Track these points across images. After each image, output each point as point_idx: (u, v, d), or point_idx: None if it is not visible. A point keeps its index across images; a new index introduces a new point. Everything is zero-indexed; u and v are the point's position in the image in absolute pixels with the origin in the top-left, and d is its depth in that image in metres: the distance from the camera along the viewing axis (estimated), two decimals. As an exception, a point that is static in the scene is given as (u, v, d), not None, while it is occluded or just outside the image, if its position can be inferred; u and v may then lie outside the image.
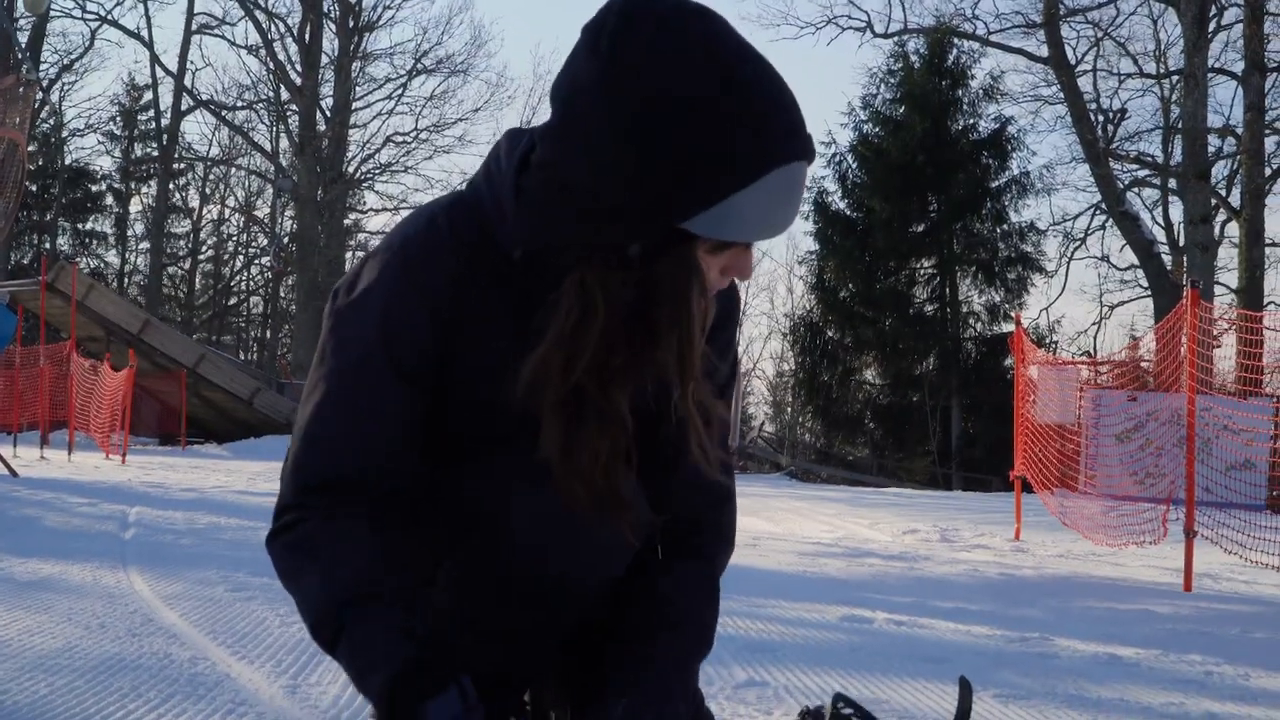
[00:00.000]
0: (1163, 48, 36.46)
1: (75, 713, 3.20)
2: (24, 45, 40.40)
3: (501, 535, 2.23)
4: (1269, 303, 33.48)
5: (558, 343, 2.03)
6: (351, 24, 43.53)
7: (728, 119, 1.90)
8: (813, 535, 11.13)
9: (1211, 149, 35.04)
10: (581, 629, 2.34)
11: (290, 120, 44.07)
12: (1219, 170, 35.10)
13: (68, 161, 46.47)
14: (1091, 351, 34.66)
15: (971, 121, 36.59)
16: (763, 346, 41.71)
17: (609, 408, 2.08)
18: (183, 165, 47.03)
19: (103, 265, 46.49)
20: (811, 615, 5.70)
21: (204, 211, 48.30)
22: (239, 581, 5.71)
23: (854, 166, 36.93)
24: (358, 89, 43.91)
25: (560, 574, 2.26)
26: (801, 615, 5.70)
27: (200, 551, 7.39)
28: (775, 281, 51.87)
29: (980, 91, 36.80)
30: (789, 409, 40.37)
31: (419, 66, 44.18)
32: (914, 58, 37.04)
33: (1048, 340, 35.37)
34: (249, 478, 16.16)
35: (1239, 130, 34.88)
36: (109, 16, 46.13)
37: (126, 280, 46.14)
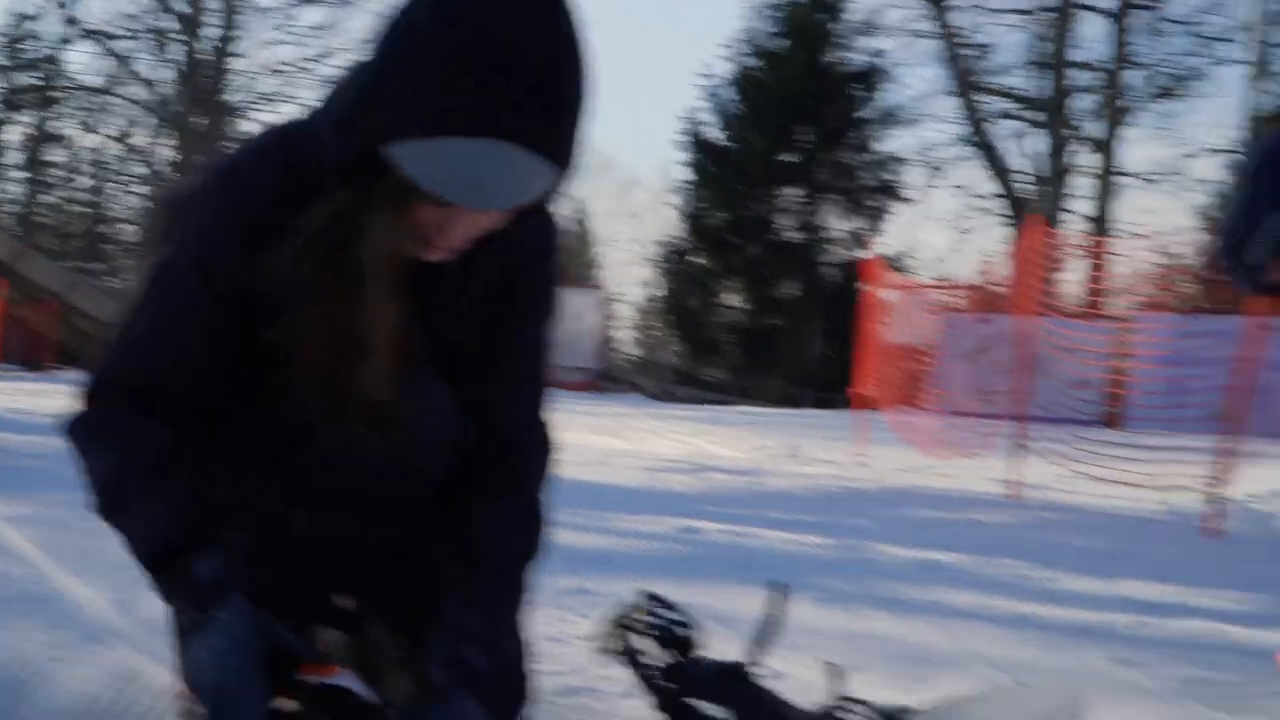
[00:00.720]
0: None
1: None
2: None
3: (309, 447, 2.22)
4: (1116, 229, 33.92)
5: (302, 242, 2.06)
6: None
7: (467, 65, 1.86)
8: (663, 452, 11.17)
9: (1074, 83, 35.35)
10: (398, 546, 2.35)
11: (173, 49, 43.20)
12: (1079, 104, 35.33)
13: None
14: (948, 277, 34.90)
15: (842, 56, 36.55)
16: (632, 271, 41.47)
17: (329, 307, 2.09)
18: (63, 94, 45.81)
19: (-25, 194, 45.28)
20: (647, 527, 5.74)
21: (83, 141, 47.03)
22: (85, 507, 5.63)
23: (734, 98, 36.80)
24: (242, 18, 43.02)
25: (360, 489, 2.27)
26: (638, 528, 5.74)
27: (55, 475, 7.26)
28: (647, 209, 51.69)
29: (858, 25, 36.80)
30: (654, 333, 40.33)
31: (307, -4, 43.35)
32: (799, -9, 36.87)
33: (905, 266, 35.58)
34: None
35: (1102, 66, 35.24)
36: None
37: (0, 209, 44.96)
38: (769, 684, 2.53)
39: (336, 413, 2.15)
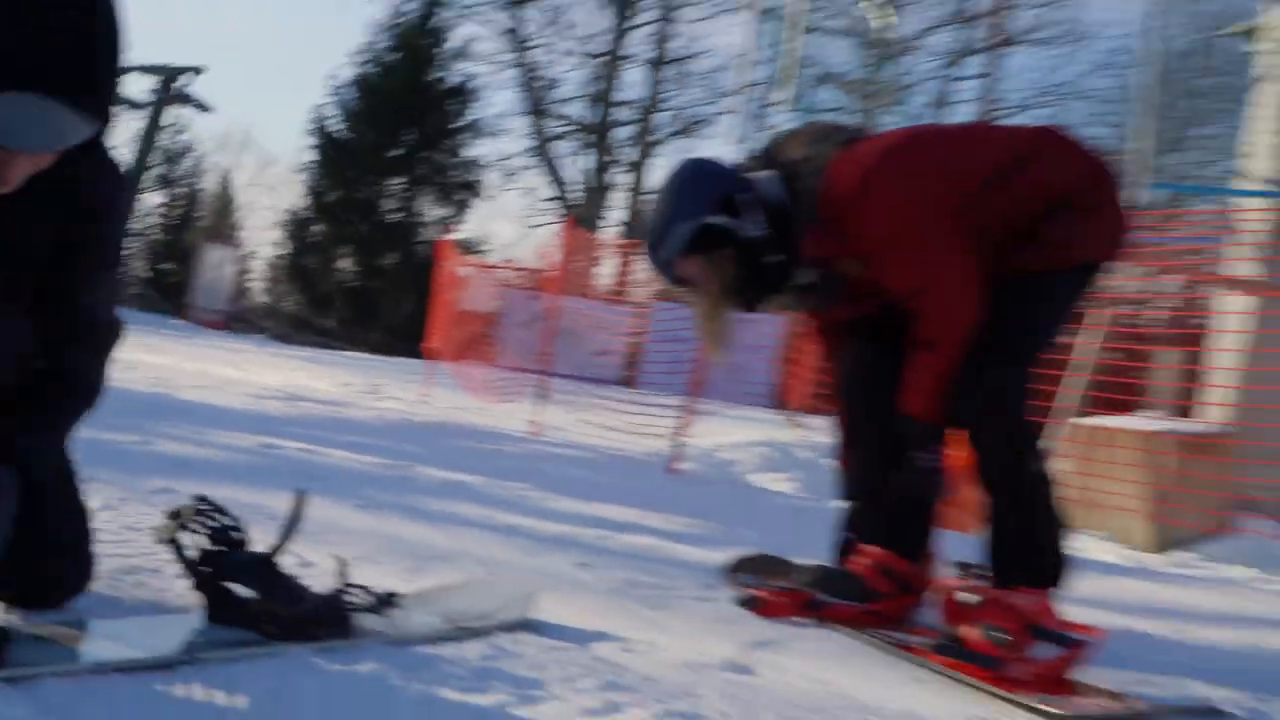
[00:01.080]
0: (594, 35, 36.92)
1: None
2: None
3: None
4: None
5: None
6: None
7: (7, 30, 1.82)
8: (269, 383, 10.88)
9: (616, 118, 36.20)
10: None
11: None
12: (620, 133, 36.26)
13: None
14: (512, 260, 35.34)
15: (443, 74, 36.40)
16: (265, 234, 40.40)
17: None
18: None
19: None
20: (237, 442, 5.58)
21: None
22: None
23: (355, 97, 36.19)
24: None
25: None
26: (229, 442, 5.57)
27: None
28: (280, 184, 50.46)
29: (455, 47, 36.71)
30: (279, 286, 39.34)
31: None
32: (408, 15, 36.46)
33: (480, 249, 36.00)
34: None
35: (639, 104, 36.25)
36: None
37: None
38: (294, 571, 2.51)
39: None
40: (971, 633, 2.64)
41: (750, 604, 3.11)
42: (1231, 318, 8.25)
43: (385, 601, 2.46)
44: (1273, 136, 9.08)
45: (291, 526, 2.39)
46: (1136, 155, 10.90)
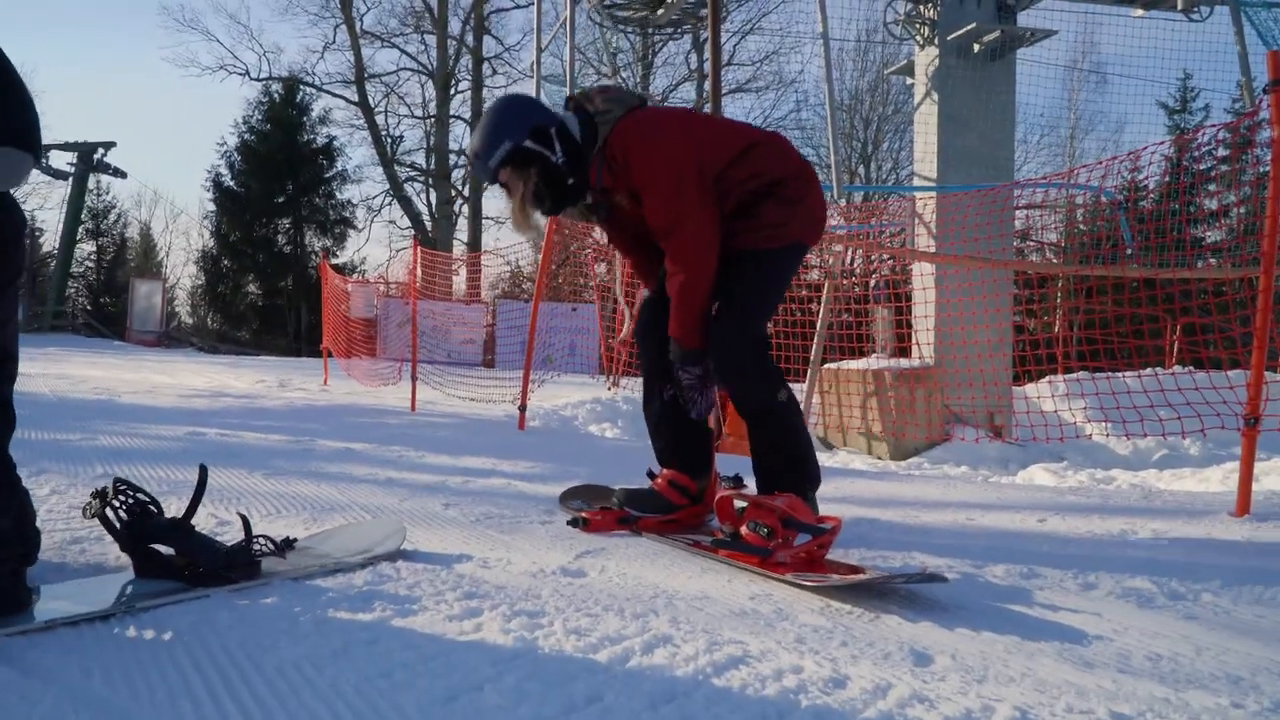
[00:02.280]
0: (425, 102, 36.52)
1: None
2: None
3: None
4: (484, 251, 34.79)
5: None
6: None
7: None
8: (196, 385, 10.46)
9: (452, 161, 35.93)
10: None
11: None
12: (457, 176, 35.96)
13: None
14: (384, 277, 34.88)
15: (312, 137, 35.58)
16: (183, 269, 38.96)
17: None
18: None
19: None
20: (168, 433, 5.32)
21: None
22: None
23: (239, 159, 35.09)
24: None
25: None
26: (160, 433, 5.31)
27: None
28: (190, 229, 49.09)
29: (317, 116, 35.94)
30: (200, 309, 38.06)
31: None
32: (276, 93, 35.50)
33: (359, 269, 35.64)
34: None
35: (466, 152, 35.91)
36: None
37: None
38: (209, 530, 2.39)
39: None
40: (744, 529, 2.66)
41: (578, 523, 3.09)
42: (923, 280, 8.53)
43: (284, 545, 2.37)
44: (930, 146, 9.44)
45: (197, 494, 2.28)
46: (836, 167, 11.24)
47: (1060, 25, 10.15)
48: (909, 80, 10.38)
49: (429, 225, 35.53)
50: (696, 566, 2.58)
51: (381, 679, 1.66)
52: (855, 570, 2.48)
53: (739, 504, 2.74)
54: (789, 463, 2.97)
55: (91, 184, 33.33)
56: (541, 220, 3.13)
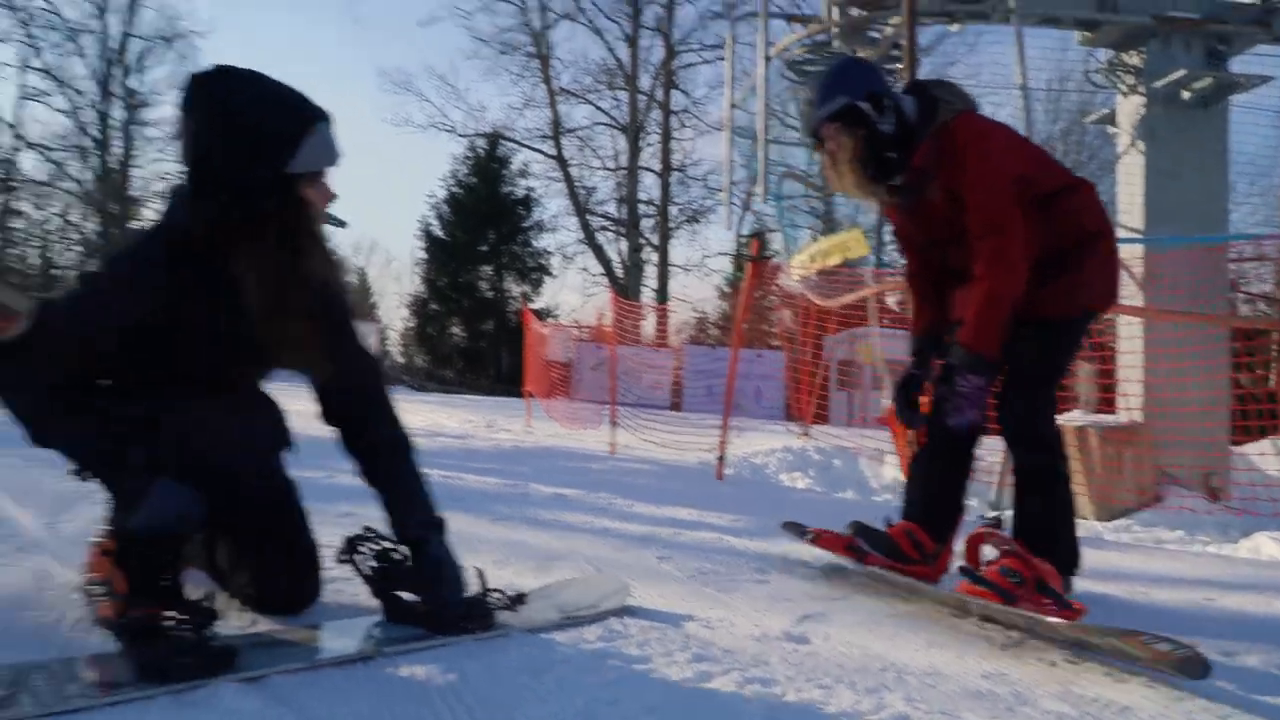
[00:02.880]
0: (616, 154, 37.33)
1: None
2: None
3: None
4: (672, 297, 35.29)
5: (257, 278, 2.06)
6: (132, 102, 39.99)
7: (277, 107, 2.04)
8: (413, 423, 10.87)
9: (642, 212, 36.55)
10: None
11: (91, 160, 40.57)
12: (647, 225, 36.58)
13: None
14: (578, 320, 35.81)
15: (512, 189, 37.07)
16: (395, 312, 41.10)
17: (296, 311, 2.11)
18: (17, 183, 42.31)
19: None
20: (394, 473, 5.53)
21: (35, 215, 43.45)
22: (29, 454, 5.10)
23: (447, 210, 36.80)
24: (137, 142, 40.68)
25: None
26: (388, 473, 5.52)
27: (8, 434, 6.60)
28: (402, 274, 52.18)
29: (517, 169, 37.47)
30: (409, 349, 39.93)
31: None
32: (480, 148, 37.15)
33: (553, 313, 36.75)
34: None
35: (654, 202, 36.72)
36: None
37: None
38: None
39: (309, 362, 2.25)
40: (991, 570, 2.56)
41: (806, 536, 3.12)
42: (1129, 333, 8.07)
43: (516, 600, 2.40)
44: (1136, 198, 8.93)
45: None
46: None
47: (1277, 70, 9.48)
48: (1110, 129, 9.90)
49: (620, 272, 36.17)
50: (922, 639, 2.47)
51: (628, 745, 1.65)
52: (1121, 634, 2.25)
53: (993, 545, 2.64)
54: (1057, 536, 2.86)
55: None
56: (861, 184, 2.92)
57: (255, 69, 2.08)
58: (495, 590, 2.38)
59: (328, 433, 2.46)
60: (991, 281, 2.75)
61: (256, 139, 1.99)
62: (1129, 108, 9.20)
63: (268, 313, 2.08)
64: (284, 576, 2.33)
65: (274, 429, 2.35)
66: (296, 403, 2.48)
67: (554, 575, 2.99)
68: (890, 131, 2.86)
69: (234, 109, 2.00)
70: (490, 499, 4.75)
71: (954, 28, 10.83)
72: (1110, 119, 9.79)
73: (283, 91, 2.07)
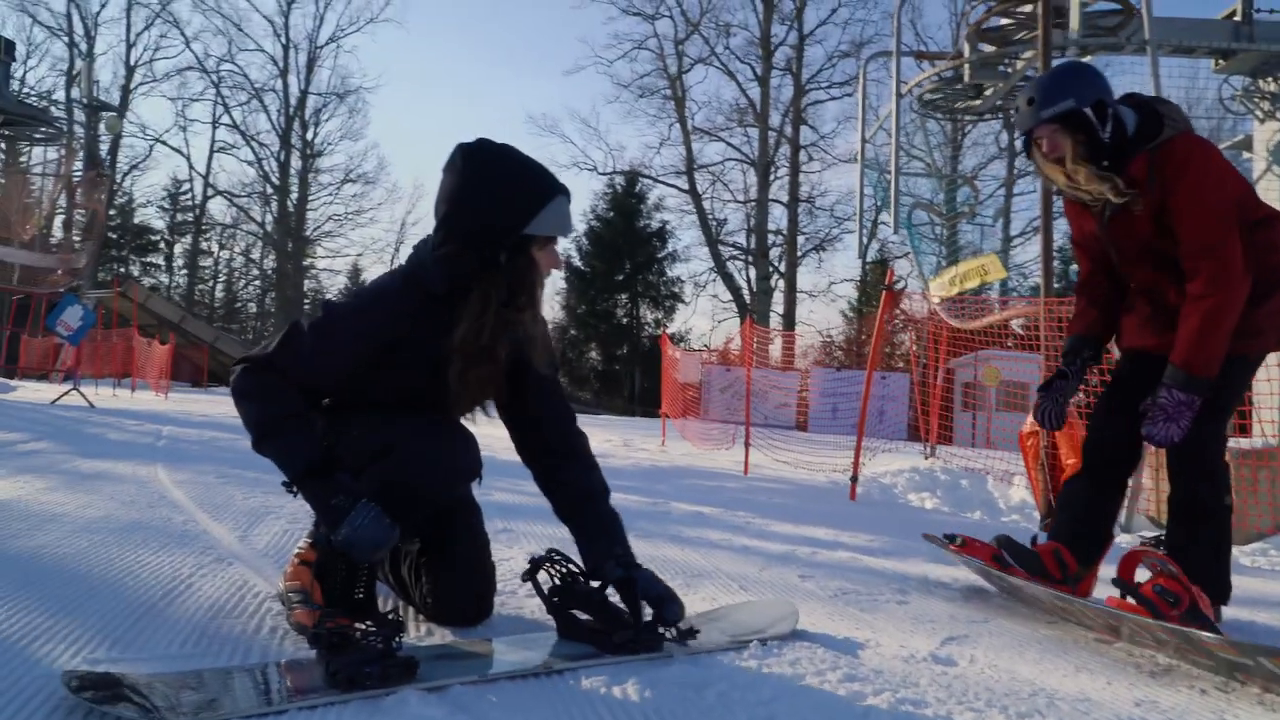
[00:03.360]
0: (746, 188, 37.43)
1: (106, 558, 2.98)
2: (105, 152, 38.18)
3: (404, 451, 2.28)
4: (798, 322, 34.94)
5: (472, 321, 2.21)
6: (309, 152, 42.14)
7: (522, 177, 2.21)
8: (553, 443, 11.06)
9: (770, 241, 36.40)
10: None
11: (271, 204, 42.73)
12: (775, 253, 36.42)
13: (135, 221, 43.88)
14: (708, 345, 35.81)
15: (647, 222, 37.51)
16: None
17: (495, 356, 2.25)
18: (207, 225, 44.89)
19: (158, 283, 43.85)
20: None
21: (220, 254, 45.99)
22: (223, 473, 5.39)
23: (587, 243, 37.43)
24: (311, 188, 42.67)
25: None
26: (535, 491, 5.62)
27: (203, 453, 6.99)
28: (545, 303, 54.04)
29: (652, 203, 37.98)
30: (550, 372, 40.69)
31: (347, 179, 42.98)
32: (619, 185, 37.76)
33: (685, 338, 36.86)
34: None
35: (781, 231, 36.40)
36: (160, 138, 44.82)
37: (171, 292, 43.61)
38: (615, 601, 2.49)
39: (461, 407, 2.36)
40: (1146, 587, 2.47)
41: (954, 540, 3.09)
42: (1268, 361, 7.63)
43: (687, 634, 2.30)
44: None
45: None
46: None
47: None
48: (1245, 155, 9.41)
49: (748, 298, 36.08)
50: (1070, 664, 2.39)
51: (789, 762, 1.64)
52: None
53: (1151, 563, 2.55)
54: (1215, 568, 2.75)
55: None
56: (1094, 179, 2.79)
57: (508, 143, 2.27)
58: (668, 623, 2.30)
59: (493, 454, 2.55)
60: (1213, 301, 2.64)
61: (503, 199, 2.17)
62: (1265, 133, 8.73)
63: (466, 347, 2.22)
64: (466, 593, 2.40)
65: (470, 458, 2.43)
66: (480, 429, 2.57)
67: (701, 593, 3.00)
68: (1107, 141, 2.77)
69: (488, 174, 2.19)
70: (633, 516, 4.77)
71: (1085, 58, 10.47)
72: (1246, 144, 9.31)
73: (530, 163, 2.25)
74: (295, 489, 2.17)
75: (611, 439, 12.55)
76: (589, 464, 2.51)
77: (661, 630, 2.28)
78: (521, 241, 2.19)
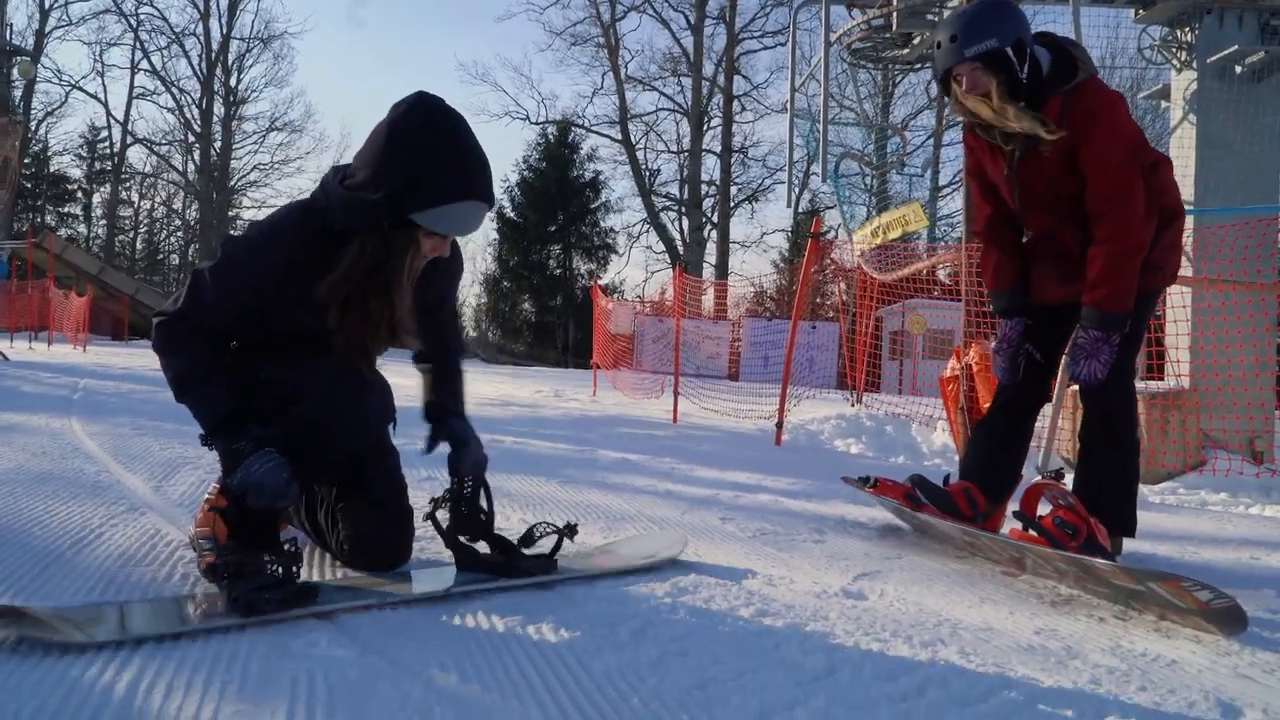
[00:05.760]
0: (679, 138, 37.24)
1: (13, 509, 2.91)
2: (18, 99, 36.51)
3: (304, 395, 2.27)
4: (731, 273, 35.02)
5: (345, 272, 2.17)
6: (232, 99, 40.81)
7: (442, 166, 2.08)
8: (486, 394, 11.01)
9: (703, 192, 36.34)
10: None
11: (194, 153, 41.35)
12: (708, 204, 36.40)
13: (51, 169, 42.17)
14: (641, 296, 35.77)
15: (581, 172, 37.22)
16: (470, 289, 41.31)
17: (368, 307, 2.20)
18: (126, 175, 43.34)
19: (75, 233, 42.32)
20: (471, 439, 5.61)
21: (141, 204, 44.50)
22: (140, 424, 5.27)
23: (519, 193, 37.03)
24: (235, 137, 41.39)
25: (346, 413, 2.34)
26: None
27: (120, 405, 6.81)
28: (476, 254, 53.12)
29: (585, 154, 37.58)
30: (483, 324, 40.26)
31: (272, 126, 41.65)
32: (551, 135, 37.25)
33: (618, 289, 36.75)
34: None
35: (714, 183, 36.34)
36: (77, 84, 42.82)
37: (90, 244, 42.16)
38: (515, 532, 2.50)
39: (366, 366, 2.34)
40: (1046, 519, 2.55)
41: (869, 481, 3.18)
42: (1178, 302, 7.87)
43: (569, 530, 2.52)
44: (1188, 170, 8.65)
45: (489, 499, 2.50)
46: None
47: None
48: (1163, 104, 9.60)
49: (681, 249, 36.11)
50: (975, 596, 2.46)
51: (698, 691, 1.67)
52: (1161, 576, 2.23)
53: (1053, 495, 2.64)
54: (1119, 501, 2.85)
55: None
56: (1022, 115, 2.78)
57: (464, 121, 2.13)
58: (545, 522, 2.50)
59: (413, 405, 2.55)
60: (1120, 243, 2.71)
61: (415, 177, 2.07)
62: (1182, 83, 8.91)
63: (333, 296, 2.21)
64: (382, 537, 2.40)
65: (380, 406, 2.43)
66: (397, 379, 2.55)
67: (621, 533, 3.03)
68: (1025, 82, 2.78)
69: (419, 142, 2.07)
70: (560, 463, 4.81)
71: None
72: (1163, 94, 9.50)
73: (464, 154, 2.11)
74: (209, 442, 2.19)
75: (542, 389, 12.53)
76: (460, 340, 2.68)
77: (541, 529, 2.47)
78: (409, 223, 2.12)
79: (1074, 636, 2.12)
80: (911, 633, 2.08)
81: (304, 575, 2.17)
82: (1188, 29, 8.79)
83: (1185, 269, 8.24)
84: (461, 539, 2.41)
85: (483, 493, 2.47)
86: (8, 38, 28.79)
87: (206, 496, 2.37)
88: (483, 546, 2.43)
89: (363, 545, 2.38)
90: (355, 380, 2.35)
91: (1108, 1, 8.93)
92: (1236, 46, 8.37)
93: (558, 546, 2.45)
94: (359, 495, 2.42)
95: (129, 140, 42.20)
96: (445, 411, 2.53)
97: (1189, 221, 8.40)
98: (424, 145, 2.08)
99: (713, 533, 3.14)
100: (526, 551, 2.41)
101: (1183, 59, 8.83)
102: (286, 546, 2.08)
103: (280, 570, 2.01)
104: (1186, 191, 8.61)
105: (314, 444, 2.24)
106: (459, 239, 2.38)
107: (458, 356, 2.61)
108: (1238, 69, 8.55)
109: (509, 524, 3.04)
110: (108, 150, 43.06)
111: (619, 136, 37.27)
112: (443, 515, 2.45)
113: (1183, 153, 8.82)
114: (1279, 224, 8.81)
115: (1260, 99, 8.51)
